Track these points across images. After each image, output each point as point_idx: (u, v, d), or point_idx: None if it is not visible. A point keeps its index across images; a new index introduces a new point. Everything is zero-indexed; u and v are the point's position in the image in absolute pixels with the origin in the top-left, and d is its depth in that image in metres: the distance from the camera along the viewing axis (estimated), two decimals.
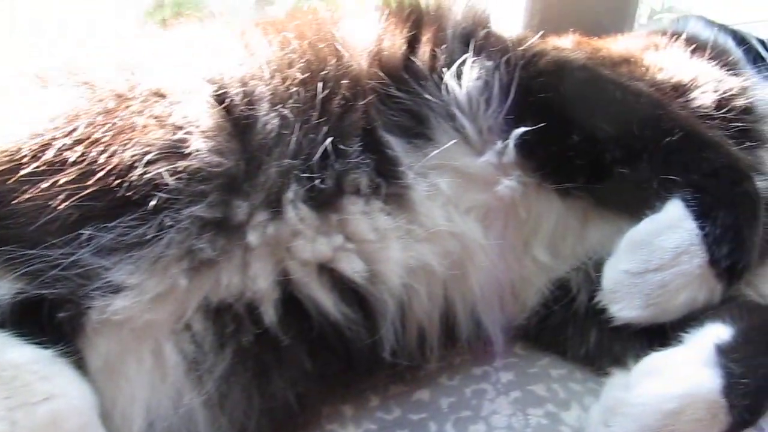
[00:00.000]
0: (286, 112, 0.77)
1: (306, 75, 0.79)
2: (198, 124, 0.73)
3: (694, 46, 1.03)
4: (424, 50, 0.87)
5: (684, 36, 1.07)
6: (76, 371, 0.67)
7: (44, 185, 0.68)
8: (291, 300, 0.77)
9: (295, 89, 0.78)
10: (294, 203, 0.76)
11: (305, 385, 0.77)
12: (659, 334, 0.79)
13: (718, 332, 0.73)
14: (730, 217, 0.78)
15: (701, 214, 0.78)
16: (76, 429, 0.64)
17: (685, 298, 0.77)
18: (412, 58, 0.87)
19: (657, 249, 0.78)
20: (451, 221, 0.83)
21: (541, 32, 1.00)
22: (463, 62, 0.86)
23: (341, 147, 0.78)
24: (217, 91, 0.77)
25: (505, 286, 0.88)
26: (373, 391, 0.84)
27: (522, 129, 0.84)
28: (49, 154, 0.69)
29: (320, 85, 0.79)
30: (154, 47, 0.84)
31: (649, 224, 0.80)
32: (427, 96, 0.84)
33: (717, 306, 0.79)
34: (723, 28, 1.19)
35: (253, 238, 0.75)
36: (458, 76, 0.85)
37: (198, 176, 0.71)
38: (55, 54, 0.88)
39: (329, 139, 0.76)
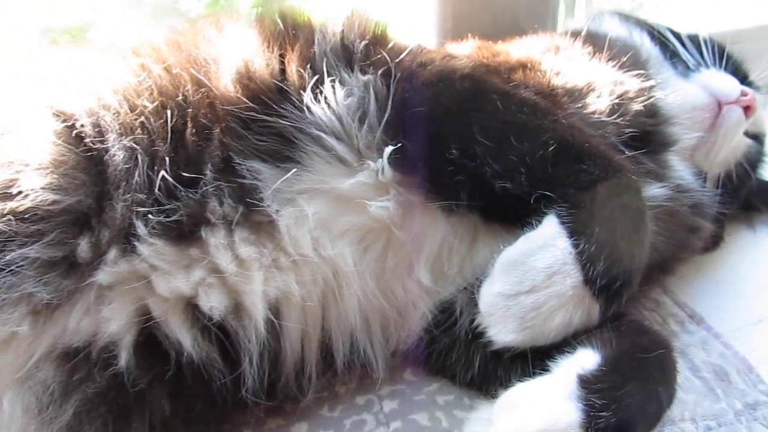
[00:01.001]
0: (131, 143, 0.74)
1: (156, 104, 0.76)
2: (31, 161, 0.70)
3: (598, 46, 0.99)
4: (292, 69, 0.83)
5: (587, 36, 1.02)
6: None
7: None
8: (148, 340, 0.74)
9: (142, 119, 0.75)
10: (146, 238, 0.73)
11: (165, 428, 0.74)
12: (545, 355, 0.76)
13: (584, 361, 0.70)
14: (607, 233, 0.74)
15: (575, 230, 0.74)
16: None
17: (560, 320, 0.73)
18: (280, 78, 0.83)
19: (529, 270, 0.74)
20: (322, 248, 0.79)
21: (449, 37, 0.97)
22: (321, 81, 0.82)
23: (194, 177, 0.75)
24: (64, 122, 0.74)
25: (387, 311, 0.84)
26: (248, 426, 0.82)
27: (391, 147, 0.81)
28: None
29: (169, 113, 0.76)
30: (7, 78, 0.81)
31: (523, 243, 0.76)
32: (292, 118, 0.81)
33: (598, 327, 0.75)
34: (639, 24, 1.14)
35: (103, 277, 0.72)
36: (316, 96, 0.81)
37: (31, 216, 0.68)
38: None
39: (162, 173, 0.73)
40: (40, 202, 0.69)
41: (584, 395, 0.66)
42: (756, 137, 1.14)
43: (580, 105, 0.90)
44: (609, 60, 0.97)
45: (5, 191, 0.68)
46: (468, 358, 0.83)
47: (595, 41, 1.01)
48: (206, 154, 0.76)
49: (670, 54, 1.11)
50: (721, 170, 1.08)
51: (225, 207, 0.76)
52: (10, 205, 0.68)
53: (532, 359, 0.77)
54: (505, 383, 0.78)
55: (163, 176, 0.73)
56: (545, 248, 0.74)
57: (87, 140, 0.74)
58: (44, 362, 0.70)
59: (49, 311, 0.70)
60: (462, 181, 0.81)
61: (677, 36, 1.12)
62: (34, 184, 0.69)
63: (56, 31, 1.23)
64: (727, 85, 1.06)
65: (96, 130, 0.75)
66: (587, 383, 0.67)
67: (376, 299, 0.83)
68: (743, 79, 1.12)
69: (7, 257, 0.67)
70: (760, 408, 0.87)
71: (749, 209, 1.23)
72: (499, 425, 0.67)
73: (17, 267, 0.68)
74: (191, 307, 0.75)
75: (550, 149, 0.78)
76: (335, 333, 0.82)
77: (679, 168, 0.99)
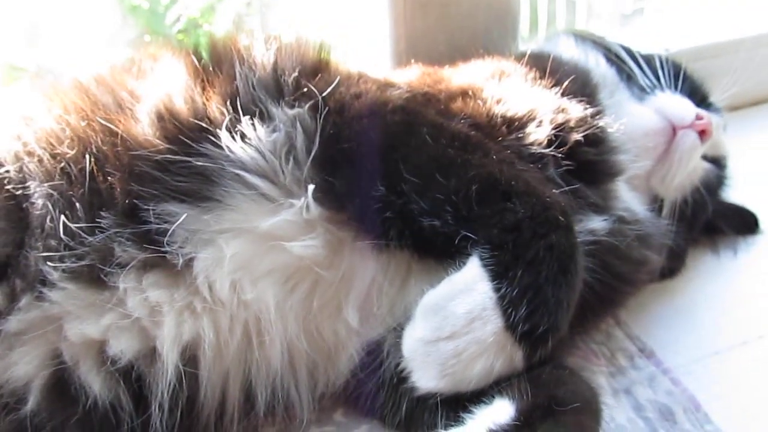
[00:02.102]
0: (49, 190, 0.73)
1: (74, 150, 0.75)
2: None
3: (545, 69, 0.96)
4: (211, 107, 0.81)
5: (535, 58, 0.99)
6: None
7: None
8: (57, 384, 0.73)
9: (62, 164, 0.74)
10: (58, 283, 0.72)
11: None
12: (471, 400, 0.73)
13: (497, 413, 0.67)
14: (530, 277, 0.71)
15: (497, 274, 0.71)
16: None
17: (481, 367, 0.71)
18: (200, 116, 0.81)
19: (449, 315, 0.71)
20: (241, 291, 0.77)
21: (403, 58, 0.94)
22: (238, 120, 0.79)
23: (98, 222, 0.73)
24: None
25: (314, 354, 0.82)
26: None
27: (312, 186, 0.78)
28: None
29: (88, 159, 0.75)
30: None
31: (445, 286, 0.74)
32: (213, 158, 0.79)
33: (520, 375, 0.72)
34: (596, 44, 1.11)
35: (13, 324, 0.71)
36: (233, 135, 0.79)
37: None
38: None
39: (62, 219, 0.72)
40: None
41: None
42: (716, 161, 1.11)
43: (519, 135, 0.87)
44: (554, 85, 0.94)
45: None
46: (395, 402, 0.81)
47: (543, 64, 0.97)
48: (114, 199, 0.75)
49: (626, 76, 1.08)
50: (678, 196, 1.05)
51: (130, 251, 0.74)
52: None
53: (458, 404, 0.74)
54: (431, 428, 0.76)
55: (63, 221, 0.72)
56: (466, 292, 0.72)
57: (9, 187, 0.73)
58: None
59: None
60: (391, 219, 0.79)
61: (633, 57, 1.09)
62: None
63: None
64: (681, 108, 1.03)
65: (20, 176, 0.74)
66: None
67: (301, 342, 0.80)
68: (701, 100, 1.08)
69: None
70: None
71: (714, 232, 1.19)
72: None
73: None
74: (101, 351, 0.74)
75: (475, 186, 0.75)
76: (257, 378, 0.80)
77: (626, 198, 0.95)
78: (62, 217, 0.72)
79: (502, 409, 0.68)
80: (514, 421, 0.66)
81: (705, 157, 1.08)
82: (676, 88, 1.07)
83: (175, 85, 0.83)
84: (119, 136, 0.77)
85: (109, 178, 0.75)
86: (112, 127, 0.78)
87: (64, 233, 0.72)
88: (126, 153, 0.77)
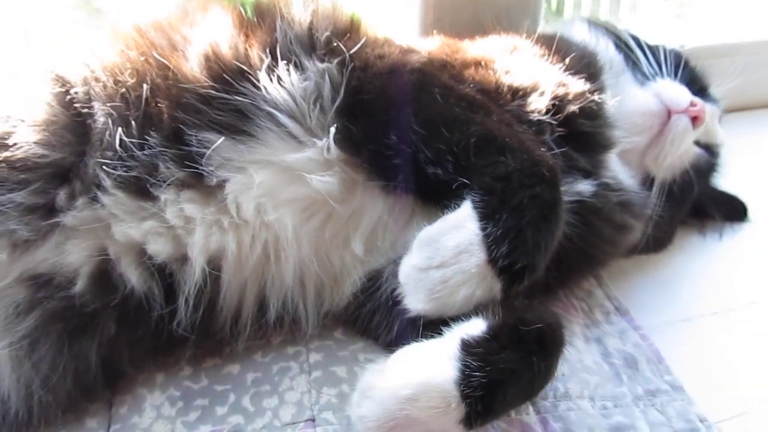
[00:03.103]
0: (109, 110, 0.86)
1: (134, 80, 0.88)
2: (26, 119, 0.82)
3: (553, 48, 1.06)
4: (253, 53, 0.93)
5: (545, 38, 1.09)
6: None
7: None
8: (102, 274, 0.85)
9: (121, 91, 0.87)
10: (110, 189, 0.85)
11: (111, 349, 0.86)
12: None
13: (471, 328, 0.78)
14: (513, 220, 0.81)
15: (485, 215, 0.82)
16: None
17: (464, 294, 0.81)
18: (242, 60, 0.93)
19: (440, 247, 0.82)
20: (264, 213, 0.89)
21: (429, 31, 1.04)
22: (276, 65, 0.91)
23: (149, 141, 0.86)
24: (61, 87, 0.87)
25: (322, 276, 0.94)
26: (187, 362, 0.93)
27: (334, 128, 0.90)
28: None
29: (144, 88, 0.87)
30: (19, 44, 0.94)
31: (440, 223, 0.85)
32: (251, 96, 0.91)
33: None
34: (608, 31, 1.21)
35: (70, 219, 0.84)
36: (271, 78, 0.91)
37: (21, 166, 0.81)
38: None
39: (119, 133, 0.84)
40: (31, 154, 0.81)
41: (462, 357, 0.75)
42: (708, 148, 1.20)
43: (521, 103, 0.98)
44: (559, 62, 1.04)
45: (5, 141, 0.80)
46: (388, 323, 0.93)
47: (552, 44, 1.07)
48: (163, 124, 0.87)
49: (632, 62, 1.17)
50: (668, 175, 1.14)
51: (172, 169, 0.87)
52: (4, 154, 0.80)
53: (443, 327, 0.85)
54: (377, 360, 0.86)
55: (120, 135, 0.84)
56: (456, 229, 0.83)
57: (77, 105, 0.86)
58: (16, 283, 0.83)
59: (26, 246, 0.82)
60: (399, 165, 0.90)
61: (640, 45, 1.18)
62: (28, 138, 0.81)
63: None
64: (677, 94, 1.12)
65: (86, 97, 0.87)
66: (467, 347, 0.76)
67: (312, 264, 0.92)
68: (699, 90, 1.17)
69: (3, 197, 0.79)
70: (660, 395, 0.94)
71: (703, 216, 1.28)
72: (387, 376, 0.76)
73: (4, 208, 0.80)
74: (140, 251, 0.86)
75: (473, 140, 0.86)
76: (271, 290, 0.92)
77: (615, 168, 1.05)
78: (118, 132, 0.85)
79: (475, 325, 0.79)
80: (484, 334, 0.77)
81: (698, 143, 1.17)
82: (676, 76, 1.16)
83: (222, 33, 0.95)
84: (171, 71, 0.90)
85: (159, 105, 0.88)
86: (166, 62, 0.90)
87: (119, 146, 0.85)
88: (175, 85, 0.89)
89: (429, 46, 1.10)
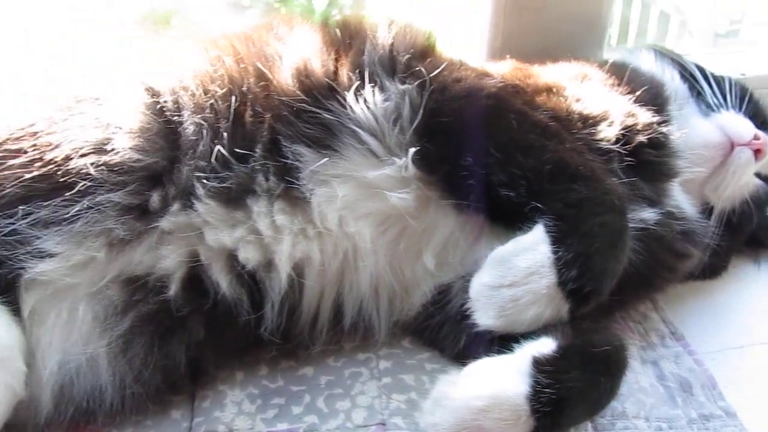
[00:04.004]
0: (200, 120, 0.91)
1: (225, 90, 0.94)
2: (123, 126, 0.88)
3: (622, 78, 1.10)
4: (342, 72, 0.99)
5: (615, 67, 1.13)
6: (8, 317, 0.85)
7: (1, 167, 0.86)
8: (193, 278, 0.91)
9: (213, 101, 0.92)
10: (203, 198, 0.91)
11: (198, 351, 0.92)
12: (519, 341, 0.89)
13: (541, 346, 0.83)
14: (583, 246, 0.86)
15: (557, 239, 0.87)
16: None
17: (533, 313, 0.86)
18: (332, 78, 0.99)
19: (513, 267, 0.87)
20: (345, 225, 0.95)
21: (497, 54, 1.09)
22: (363, 86, 0.97)
23: (246, 153, 0.92)
24: (152, 97, 0.93)
25: (395, 285, 0.99)
26: (265, 362, 0.99)
27: (414, 149, 0.95)
28: (7, 145, 0.87)
29: (233, 99, 0.93)
30: (110, 55, 1.00)
31: (512, 244, 0.89)
32: (337, 114, 0.96)
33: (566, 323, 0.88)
34: (673, 61, 1.24)
35: (165, 224, 0.90)
36: (358, 98, 0.96)
37: (118, 169, 0.87)
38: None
39: (218, 147, 0.90)
40: (127, 158, 0.87)
41: (534, 374, 0.79)
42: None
43: (591, 131, 1.02)
44: (628, 93, 1.08)
45: (102, 147, 0.87)
46: (456, 335, 0.97)
47: (621, 73, 1.12)
48: (258, 136, 0.93)
49: (697, 93, 1.21)
50: (727, 205, 1.17)
51: (269, 182, 0.93)
52: (104, 158, 0.86)
53: (509, 342, 0.90)
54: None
55: (219, 150, 0.90)
56: (529, 251, 0.87)
57: (167, 113, 0.92)
58: (112, 283, 0.89)
59: (122, 245, 0.89)
60: (472, 185, 0.95)
61: (705, 76, 1.21)
62: (125, 144, 0.87)
63: (144, 15, 1.43)
64: (741, 127, 1.15)
65: (175, 105, 0.93)
66: (539, 364, 0.80)
67: (386, 275, 0.98)
68: (763, 123, 1.20)
69: (97, 198, 0.86)
70: (713, 420, 0.98)
71: (759, 246, 1.31)
72: (461, 387, 0.81)
73: (103, 207, 0.86)
74: (231, 257, 0.92)
75: (548, 167, 0.91)
76: (347, 297, 0.98)
77: (678, 197, 1.09)
78: (211, 144, 0.91)
79: (545, 344, 0.83)
80: (554, 353, 0.82)
81: (758, 175, 1.21)
82: (740, 108, 1.19)
83: (312, 50, 1.01)
84: (270, 81, 0.96)
85: (253, 115, 0.94)
86: (266, 72, 0.96)
87: (213, 158, 0.91)
88: (274, 96, 0.95)
89: (501, 69, 1.15)
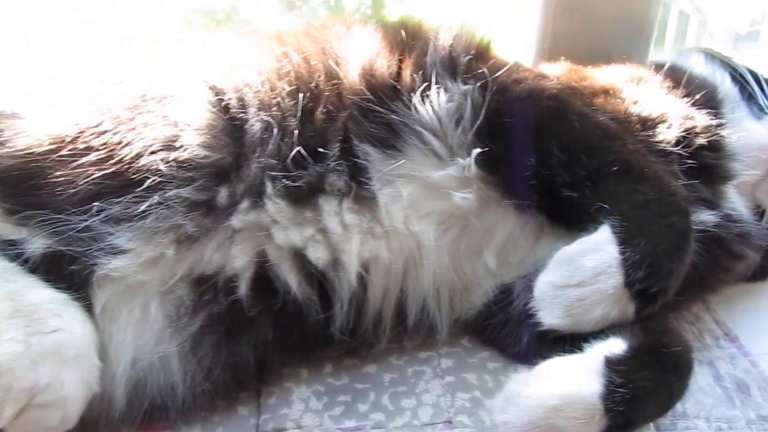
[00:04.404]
0: (268, 117, 0.92)
1: (293, 87, 0.94)
2: (191, 123, 0.89)
3: (677, 81, 1.11)
4: (406, 73, 1.00)
5: (669, 70, 1.14)
6: (83, 313, 0.86)
7: (72, 165, 0.87)
8: (262, 278, 0.93)
9: (279, 98, 0.93)
10: (272, 197, 0.92)
11: (265, 350, 0.93)
12: (583, 341, 0.90)
13: (612, 346, 0.84)
14: (650, 246, 0.87)
15: (624, 240, 0.87)
16: (74, 357, 0.82)
17: (599, 313, 0.87)
18: (395, 79, 1.00)
19: (580, 267, 0.88)
20: (410, 223, 0.96)
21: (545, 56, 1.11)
22: (428, 87, 0.98)
23: (318, 152, 0.93)
24: (216, 95, 0.94)
25: (456, 284, 1.00)
26: (329, 360, 1.00)
27: (478, 150, 0.96)
28: (80, 141, 0.88)
29: (301, 96, 0.94)
30: (172, 54, 1.01)
31: (578, 245, 0.90)
32: (401, 114, 0.97)
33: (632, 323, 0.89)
34: (723, 64, 1.24)
35: (235, 222, 0.91)
36: (423, 99, 0.97)
37: (187, 165, 0.88)
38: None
39: (297, 147, 0.91)
40: (195, 155, 0.88)
41: (607, 373, 0.80)
42: None
43: (650, 133, 1.03)
44: (685, 96, 1.09)
45: (171, 144, 0.88)
46: (518, 335, 0.98)
47: (675, 76, 1.12)
48: (330, 135, 0.94)
49: (747, 95, 1.21)
50: None
51: (341, 181, 0.94)
52: (174, 154, 0.87)
53: (572, 343, 0.91)
54: (546, 359, 0.92)
55: (297, 149, 0.91)
56: (596, 251, 0.88)
57: (232, 111, 0.93)
58: (182, 282, 0.90)
59: (191, 242, 0.90)
60: (535, 186, 0.96)
61: (757, 79, 1.22)
62: (192, 141, 0.88)
63: (199, 12, 1.44)
64: None
65: (240, 103, 0.94)
66: (611, 364, 0.81)
67: (448, 273, 0.99)
68: None
69: (166, 194, 0.87)
70: None
71: None
72: (533, 385, 0.82)
73: (172, 203, 0.87)
74: (299, 257, 0.93)
75: (614, 169, 0.91)
76: (410, 295, 0.99)
77: (734, 200, 1.09)
78: (281, 142, 0.92)
79: (616, 344, 0.84)
80: (626, 353, 0.83)
81: None
82: None
83: (375, 50, 1.02)
84: (341, 80, 0.97)
85: (325, 113, 0.95)
86: (337, 70, 0.97)
87: (288, 157, 0.92)
88: (345, 96, 0.96)
89: (556, 71, 1.15)
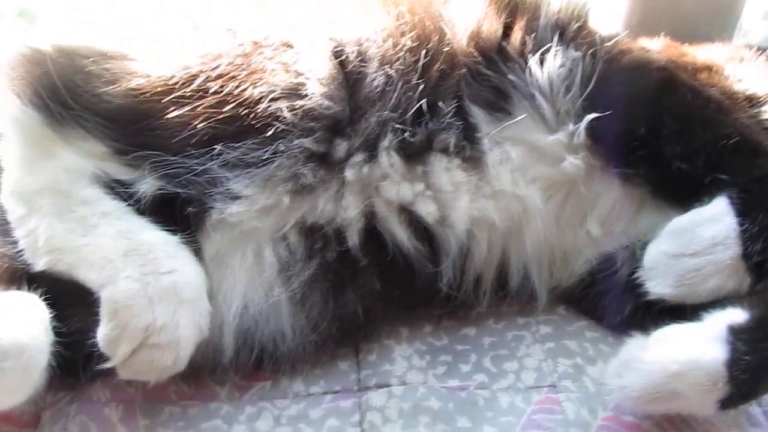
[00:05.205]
0: (391, 72, 0.91)
1: (414, 44, 0.93)
2: (315, 73, 0.88)
3: None
4: (516, 36, 0.99)
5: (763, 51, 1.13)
6: (194, 256, 0.85)
7: (188, 107, 0.85)
8: (371, 230, 0.92)
9: (402, 54, 0.92)
10: (387, 150, 0.91)
11: (371, 302, 0.93)
12: (685, 314, 0.89)
13: (734, 315, 0.83)
14: None
15: (742, 212, 0.86)
16: (190, 299, 0.81)
17: (714, 284, 0.86)
18: (505, 42, 0.99)
19: (696, 237, 0.87)
20: (517, 186, 0.95)
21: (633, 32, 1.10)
22: (548, 50, 0.97)
23: (435, 109, 0.92)
24: (336, 47, 0.92)
25: (557, 251, 1.00)
26: (428, 320, 0.99)
27: (593, 115, 0.95)
28: (195, 84, 0.86)
29: (423, 53, 0.92)
30: (290, 6, 1.00)
31: (694, 215, 0.89)
32: (512, 76, 0.97)
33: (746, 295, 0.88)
34: None
35: (349, 174, 0.90)
36: (542, 62, 0.96)
37: (310, 114, 0.87)
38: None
39: (424, 100, 0.90)
40: (318, 105, 0.87)
41: (732, 340, 0.79)
42: None
43: (756, 111, 1.02)
44: None
45: (295, 92, 0.86)
46: (619, 305, 0.97)
47: None
48: (446, 93, 0.93)
49: None
50: None
51: (453, 140, 0.93)
52: (299, 102, 0.86)
53: (677, 316, 0.90)
54: (649, 331, 0.91)
55: (421, 103, 0.90)
56: (713, 222, 0.87)
57: (352, 64, 0.92)
58: (294, 230, 0.89)
59: (306, 192, 0.89)
60: (643, 156, 0.95)
61: None
62: (317, 90, 0.87)
63: None
64: None
65: (359, 57, 0.92)
66: (735, 332, 0.80)
67: (552, 239, 0.98)
68: None
69: (288, 143, 0.85)
70: None
71: None
72: (652, 351, 0.81)
73: (292, 153, 0.86)
74: (408, 212, 0.93)
75: (730, 141, 0.91)
76: (512, 259, 0.98)
77: None
78: (403, 96, 0.91)
79: (737, 314, 0.83)
80: (748, 323, 0.82)
81: None
82: None
83: (482, 13, 1.01)
84: (452, 41, 0.96)
85: (440, 73, 0.93)
86: (448, 31, 0.96)
87: (400, 111, 0.91)
88: (457, 57, 0.95)
89: (654, 46, 1.14)
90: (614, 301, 0.98)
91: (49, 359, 0.80)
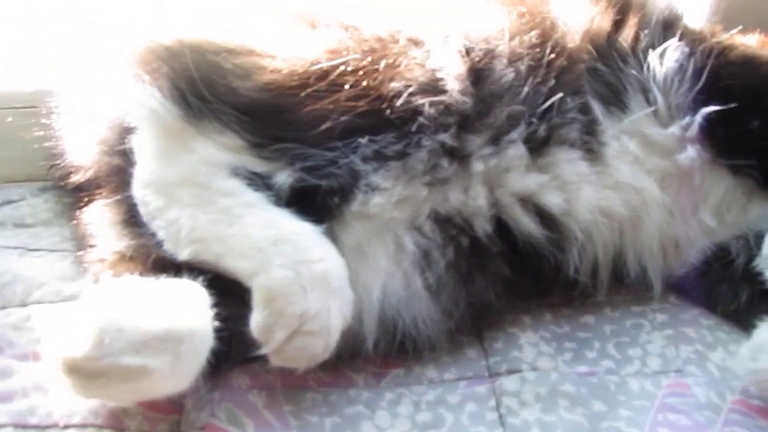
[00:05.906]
0: (522, 68, 0.94)
1: (538, 41, 0.96)
2: (451, 69, 0.91)
3: None
4: (629, 32, 1.02)
5: None
6: (335, 246, 0.88)
7: (324, 101, 0.88)
8: (498, 219, 0.95)
9: (528, 51, 0.95)
10: (515, 143, 0.93)
11: (501, 289, 0.96)
12: None
13: None
14: None
15: None
16: (338, 287, 0.83)
17: None
18: (617, 38, 1.02)
19: None
20: (635, 177, 0.98)
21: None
22: (668, 46, 1.00)
23: (562, 103, 0.95)
24: (465, 44, 0.95)
25: (671, 240, 1.02)
26: (547, 309, 1.02)
27: (710, 108, 0.98)
28: (329, 79, 0.88)
29: (548, 50, 0.95)
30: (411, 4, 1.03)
31: None
32: (628, 71, 1.00)
33: None
34: None
35: (477, 166, 0.93)
36: (661, 57, 0.99)
37: (448, 110, 0.89)
38: None
39: (559, 95, 0.93)
40: (455, 100, 0.89)
41: None
42: None
43: None
44: None
45: (434, 87, 0.89)
46: (736, 293, 1.00)
47: None
48: (570, 88, 0.96)
49: None
50: None
51: (576, 132, 0.96)
52: (439, 98, 0.88)
53: None
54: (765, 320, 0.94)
55: (551, 99, 0.93)
56: None
57: (481, 61, 0.94)
58: (427, 219, 0.92)
59: (440, 184, 0.91)
60: (756, 148, 0.99)
61: None
62: (454, 86, 0.90)
63: None
64: None
65: (488, 54, 0.95)
66: None
67: (665, 229, 1.01)
68: None
69: (428, 137, 0.88)
70: None
71: None
72: None
73: (433, 146, 0.89)
74: (532, 202, 0.95)
75: None
76: (629, 250, 1.01)
77: None
78: (528, 92, 0.93)
79: None
80: None
81: None
82: None
83: (593, 11, 1.04)
84: (569, 38, 0.99)
85: (562, 69, 0.96)
86: (564, 28, 0.99)
87: (528, 105, 0.93)
88: (574, 53, 0.98)
89: (751, 42, 1.17)
90: (730, 290, 1.01)
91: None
